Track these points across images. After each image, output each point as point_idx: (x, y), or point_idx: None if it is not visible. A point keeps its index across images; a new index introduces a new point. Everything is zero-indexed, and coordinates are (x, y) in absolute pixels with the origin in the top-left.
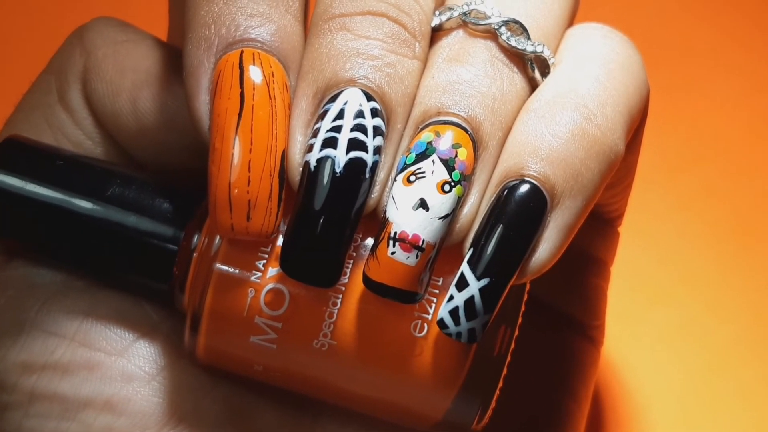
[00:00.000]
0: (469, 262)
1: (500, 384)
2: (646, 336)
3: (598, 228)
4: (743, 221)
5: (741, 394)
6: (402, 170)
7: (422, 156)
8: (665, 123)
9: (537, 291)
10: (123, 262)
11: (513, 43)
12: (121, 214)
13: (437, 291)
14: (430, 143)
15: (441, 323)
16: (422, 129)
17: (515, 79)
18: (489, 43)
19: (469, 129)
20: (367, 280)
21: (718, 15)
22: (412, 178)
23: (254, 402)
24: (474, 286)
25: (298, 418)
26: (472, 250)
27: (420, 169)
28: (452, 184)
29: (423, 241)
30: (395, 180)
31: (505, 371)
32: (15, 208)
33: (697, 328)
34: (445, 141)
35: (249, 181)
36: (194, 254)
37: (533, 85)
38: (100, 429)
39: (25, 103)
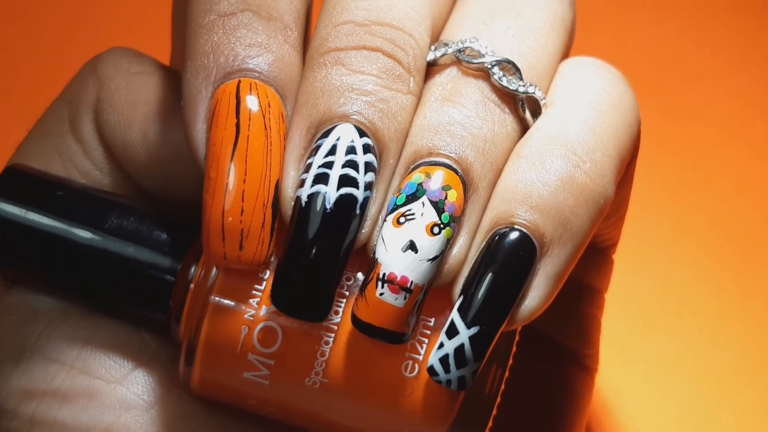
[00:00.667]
0: (459, 309)
1: (490, 424)
2: (640, 363)
3: (592, 257)
4: (739, 248)
5: (736, 423)
6: (392, 211)
7: (412, 197)
8: (662, 149)
9: None
10: (120, 292)
11: (505, 83)
12: (119, 244)
13: (428, 332)
14: (420, 184)
15: (431, 370)
16: (413, 169)
17: (506, 121)
18: (481, 83)
19: (459, 170)
20: (355, 319)
21: (716, 40)
22: (402, 219)
23: (251, 431)
24: (464, 334)
25: None
26: (462, 297)
27: (410, 210)
28: (441, 226)
29: (411, 282)
30: (385, 221)
31: (495, 411)
32: (15, 236)
33: (692, 355)
34: (435, 182)
35: (242, 211)
36: (191, 285)
37: (524, 126)
38: None
39: (37, 130)
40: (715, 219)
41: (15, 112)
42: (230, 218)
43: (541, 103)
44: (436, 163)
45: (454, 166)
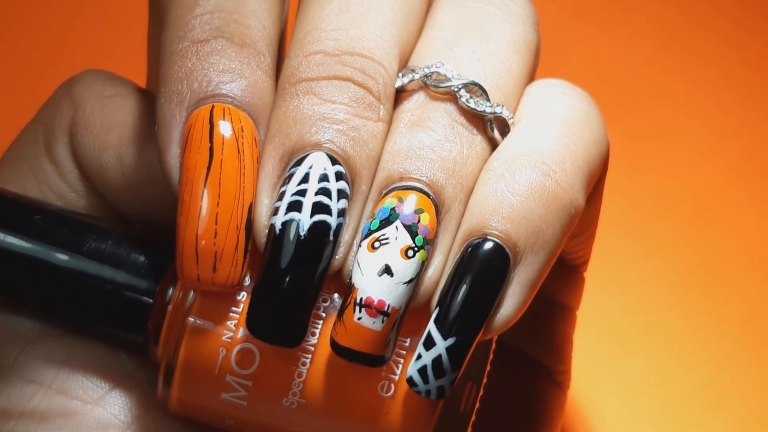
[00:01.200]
0: (435, 321)
1: None
2: (611, 382)
3: (563, 274)
4: (709, 270)
5: None
6: (366, 236)
7: (386, 222)
8: (634, 172)
9: (504, 336)
10: (99, 314)
11: (472, 104)
12: (97, 267)
13: (404, 352)
14: (393, 209)
15: (410, 381)
16: (386, 194)
17: (475, 141)
18: (449, 106)
19: (431, 193)
20: (334, 344)
21: (687, 67)
22: (377, 244)
23: None
24: (441, 345)
25: None
26: (438, 309)
27: (384, 235)
28: (415, 249)
29: (388, 306)
30: (360, 246)
31: (470, 430)
32: None
33: (662, 374)
34: (408, 206)
35: (216, 233)
36: (169, 307)
37: (493, 145)
38: None
39: (11, 152)
40: (684, 241)
41: None
42: (204, 241)
43: (509, 122)
44: (408, 188)
45: (426, 189)
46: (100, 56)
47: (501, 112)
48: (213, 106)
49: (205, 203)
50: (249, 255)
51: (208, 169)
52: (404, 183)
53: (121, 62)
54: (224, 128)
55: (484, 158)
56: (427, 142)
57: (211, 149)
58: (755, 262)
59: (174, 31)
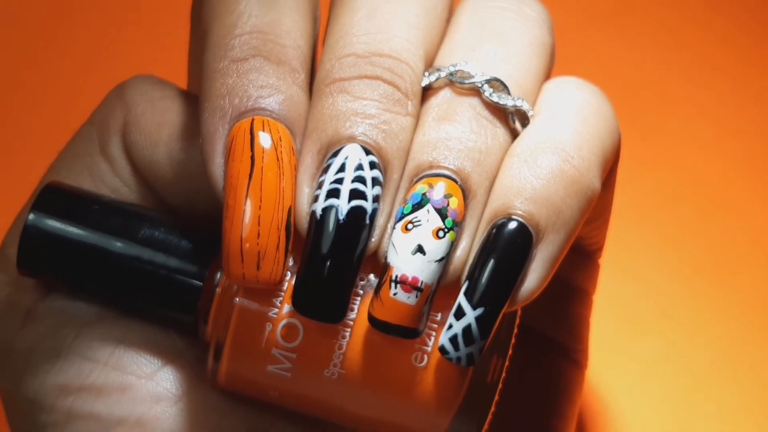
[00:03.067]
0: (465, 293)
1: (493, 409)
2: (627, 362)
3: (579, 260)
4: (717, 256)
5: (719, 420)
6: (400, 219)
7: (418, 206)
8: (646, 165)
9: (525, 318)
10: (152, 297)
11: (495, 98)
12: (150, 253)
13: (436, 326)
14: (424, 194)
15: (442, 349)
16: (416, 181)
17: (498, 133)
18: (473, 100)
19: (458, 180)
20: (372, 319)
21: (692, 67)
22: (410, 226)
23: (271, 421)
24: (470, 315)
25: None
26: (467, 282)
27: (416, 218)
28: (446, 230)
29: (422, 282)
30: (394, 228)
31: (497, 398)
32: (54, 248)
33: (674, 355)
34: (438, 192)
35: (259, 235)
36: (217, 290)
37: (515, 135)
38: None
39: (67, 151)
40: (693, 230)
41: (42, 135)
42: (248, 244)
43: (529, 114)
44: (437, 175)
45: (454, 176)
46: (142, 64)
47: (522, 106)
48: (253, 119)
49: (248, 207)
50: (290, 252)
51: (250, 176)
52: (434, 171)
53: (161, 70)
54: (264, 139)
55: (506, 148)
56: (454, 133)
57: (252, 158)
58: (760, 247)
59: (215, 51)
